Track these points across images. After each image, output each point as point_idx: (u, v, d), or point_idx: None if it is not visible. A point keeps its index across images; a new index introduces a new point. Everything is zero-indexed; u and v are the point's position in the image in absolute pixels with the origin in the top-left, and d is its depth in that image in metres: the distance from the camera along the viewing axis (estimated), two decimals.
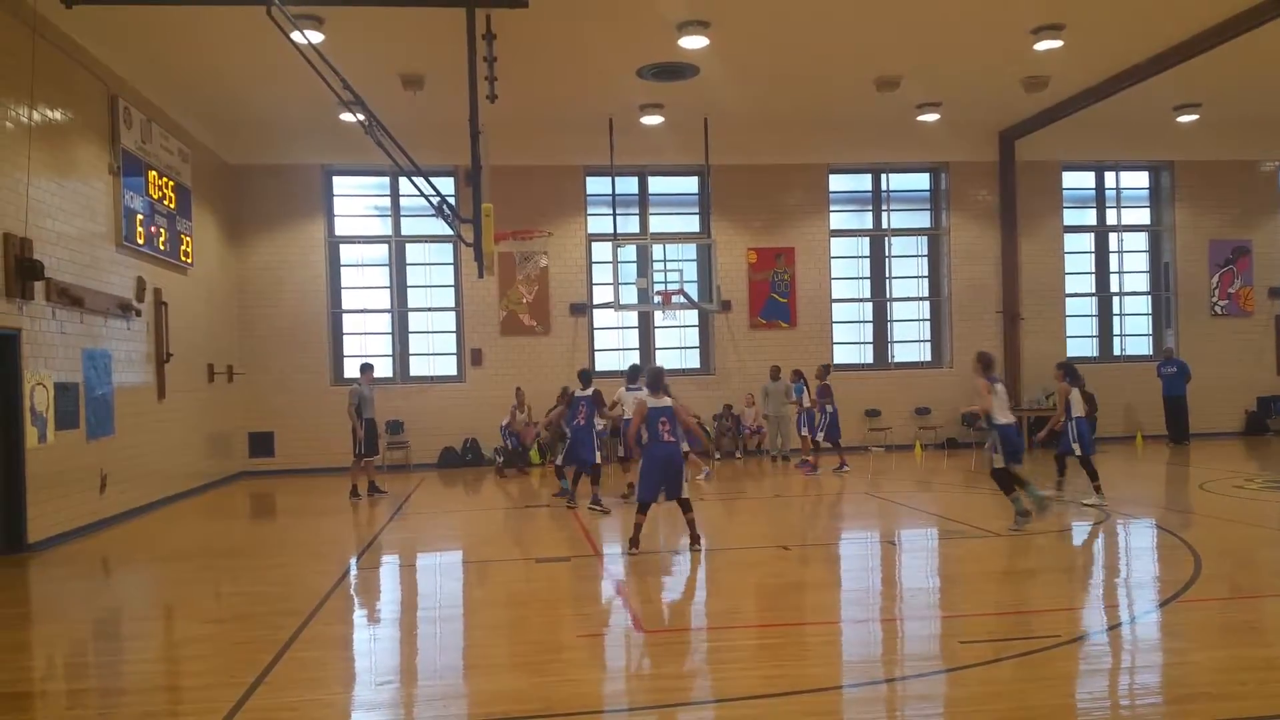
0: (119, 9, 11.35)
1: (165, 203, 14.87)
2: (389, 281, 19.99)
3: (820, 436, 17.00)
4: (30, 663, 6.93)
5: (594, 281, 20.13)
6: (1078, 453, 12.24)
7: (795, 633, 6.81)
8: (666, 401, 9.84)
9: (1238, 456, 18.11)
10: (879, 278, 21.34)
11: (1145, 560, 9.53)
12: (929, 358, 21.36)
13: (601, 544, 10.42)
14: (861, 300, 21.30)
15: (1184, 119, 19.58)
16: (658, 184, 20.71)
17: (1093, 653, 6.26)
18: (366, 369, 15.55)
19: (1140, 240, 22.18)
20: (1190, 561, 8.57)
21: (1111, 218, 21.96)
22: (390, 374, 19.67)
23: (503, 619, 7.49)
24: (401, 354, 19.95)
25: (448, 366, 19.98)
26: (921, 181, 21.50)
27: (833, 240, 20.83)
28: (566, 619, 7.48)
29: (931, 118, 18.78)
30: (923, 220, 21.52)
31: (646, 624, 7.14)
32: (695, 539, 9.54)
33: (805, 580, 8.80)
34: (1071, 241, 21.64)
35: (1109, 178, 21.92)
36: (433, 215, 12.72)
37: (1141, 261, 22.15)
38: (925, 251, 21.53)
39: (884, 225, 21.28)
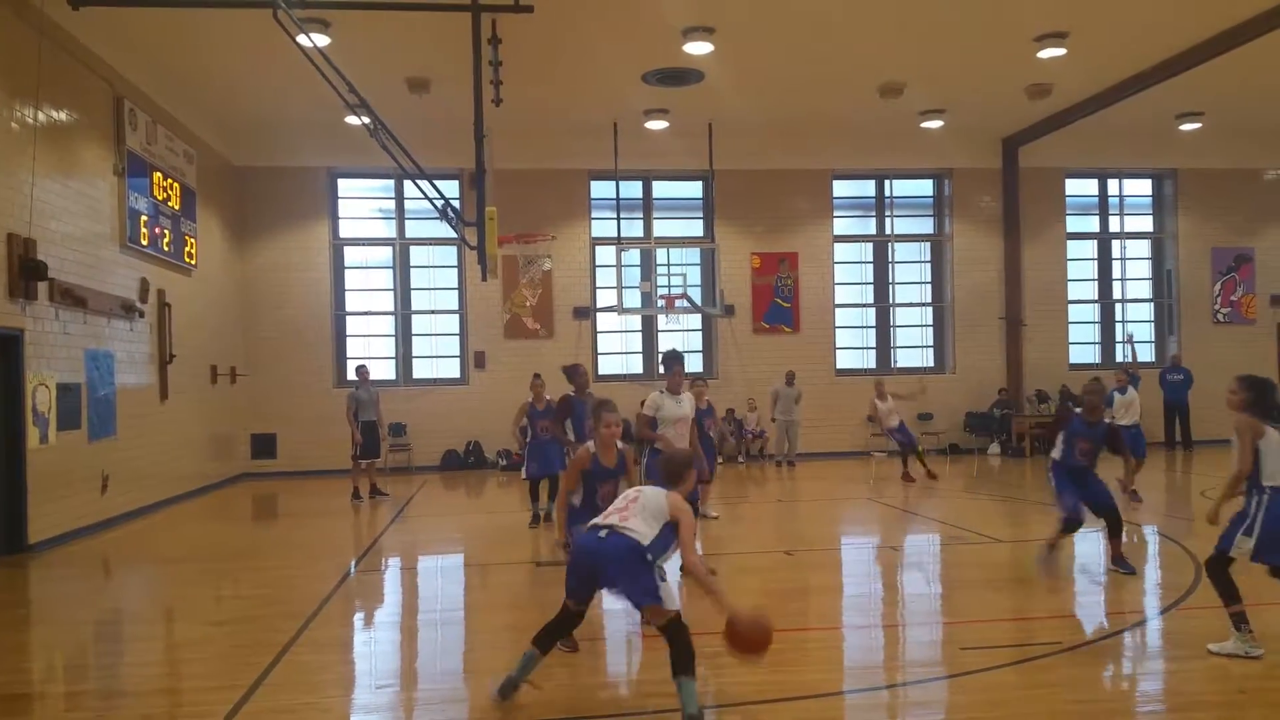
0: (125, 11, 11.36)
1: (169, 204, 14.88)
2: (393, 284, 20.01)
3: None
4: (29, 664, 6.94)
5: (597, 285, 20.15)
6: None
7: (797, 638, 6.80)
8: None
9: None
10: (882, 283, 21.34)
11: (1147, 567, 9.51)
12: (932, 363, 21.35)
13: None
14: (864, 305, 21.30)
15: (1187, 127, 19.59)
16: (662, 188, 20.72)
17: (1094, 660, 6.25)
18: (361, 371, 15.57)
19: (1143, 248, 22.18)
20: (1191, 568, 8.55)
21: (1115, 225, 21.97)
22: (393, 376, 19.68)
23: (503, 622, 7.48)
24: (405, 356, 19.97)
25: (451, 369, 19.99)
26: (925, 188, 21.50)
27: (836, 245, 20.83)
28: None
29: (935, 124, 18.80)
30: (926, 226, 21.54)
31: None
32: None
33: (807, 585, 8.79)
34: (1074, 248, 21.62)
35: (1112, 185, 21.91)
36: (437, 218, 12.71)
37: (1144, 269, 22.14)
38: (928, 257, 21.53)
39: (887, 231, 21.29)
